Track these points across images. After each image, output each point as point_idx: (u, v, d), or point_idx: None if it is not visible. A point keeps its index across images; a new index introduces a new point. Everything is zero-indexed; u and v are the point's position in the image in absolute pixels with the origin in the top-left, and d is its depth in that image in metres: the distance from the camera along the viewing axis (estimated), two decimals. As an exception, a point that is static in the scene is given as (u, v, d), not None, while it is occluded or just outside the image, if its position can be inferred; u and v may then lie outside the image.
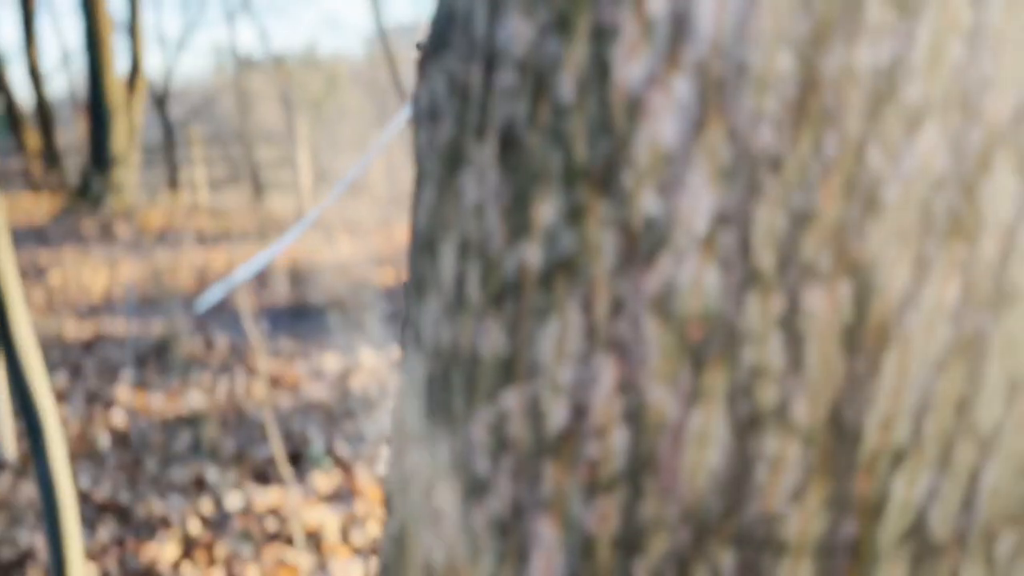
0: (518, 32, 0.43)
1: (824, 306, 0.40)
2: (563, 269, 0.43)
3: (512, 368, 0.45)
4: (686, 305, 0.41)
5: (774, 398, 0.41)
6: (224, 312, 6.97)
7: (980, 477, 0.43)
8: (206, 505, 3.73)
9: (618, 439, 0.43)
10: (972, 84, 0.38)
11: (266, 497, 3.74)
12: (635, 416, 0.42)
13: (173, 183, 12.62)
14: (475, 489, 0.47)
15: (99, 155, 10.53)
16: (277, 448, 3.04)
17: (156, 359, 5.92)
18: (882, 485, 0.41)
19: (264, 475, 4.05)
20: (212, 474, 4.08)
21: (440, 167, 0.49)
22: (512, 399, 0.45)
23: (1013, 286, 0.41)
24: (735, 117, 0.39)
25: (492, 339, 0.46)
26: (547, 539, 0.45)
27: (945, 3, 0.37)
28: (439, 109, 0.50)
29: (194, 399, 5.00)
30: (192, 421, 4.77)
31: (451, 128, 0.48)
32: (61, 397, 5.10)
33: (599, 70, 0.41)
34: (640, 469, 0.42)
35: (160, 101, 13.47)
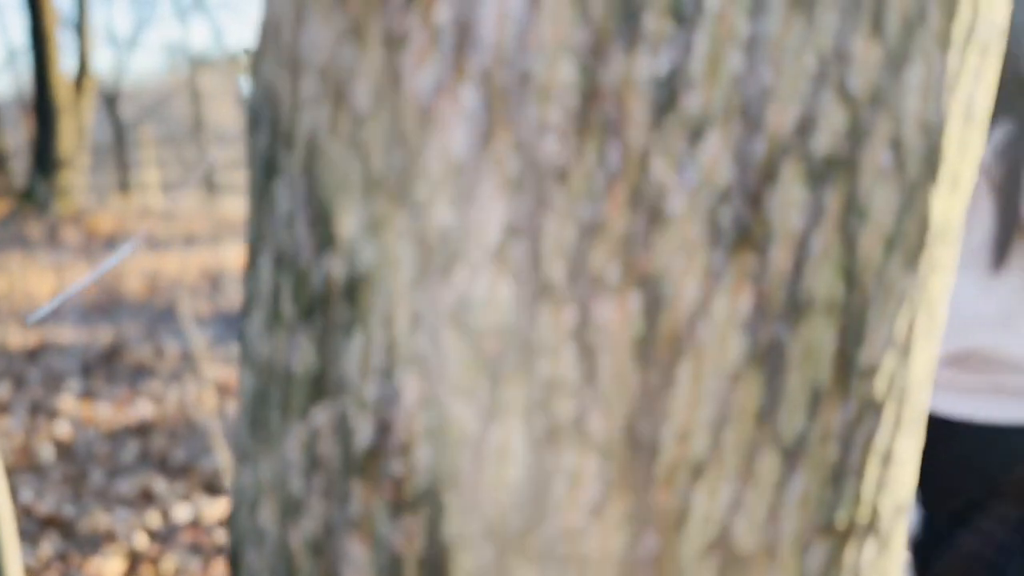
0: (319, 39, 0.43)
1: (615, 318, 0.40)
2: (365, 282, 0.43)
3: (322, 384, 0.45)
4: (482, 318, 0.41)
5: (570, 412, 0.40)
6: (176, 319, 6.88)
7: (786, 487, 0.43)
8: (153, 518, 3.67)
9: (421, 456, 0.42)
10: (752, 94, 0.38)
11: (215, 509, 3.69)
12: (437, 432, 0.42)
13: (124, 186, 12.43)
14: (291, 508, 0.47)
15: (45, 157, 10.33)
16: (225, 458, 3.00)
17: (104, 368, 5.82)
18: (682, 498, 0.41)
19: (214, 486, 3.99)
20: (160, 486, 4.02)
21: (259, 176, 0.49)
22: (322, 416, 0.45)
23: (808, 295, 0.41)
24: (521, 127, 0.39)
25: (303, 354, 0.45)
26: (357, 559, 0.44)
27: (722, 13, 0.37)
28: (258, 117, 0.49)
29: (143, 408, 4.92)
30: (140, 431, 4.70)
31: (267, 136, 0.48)
32: (2, 408, 4.99)
33: (391, 78, 0.41)
34: (443, 486, 0.42)
35: (110, 101, 13.24)
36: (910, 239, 0.43)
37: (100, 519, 3.74)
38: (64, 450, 4.54)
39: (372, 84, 0.41)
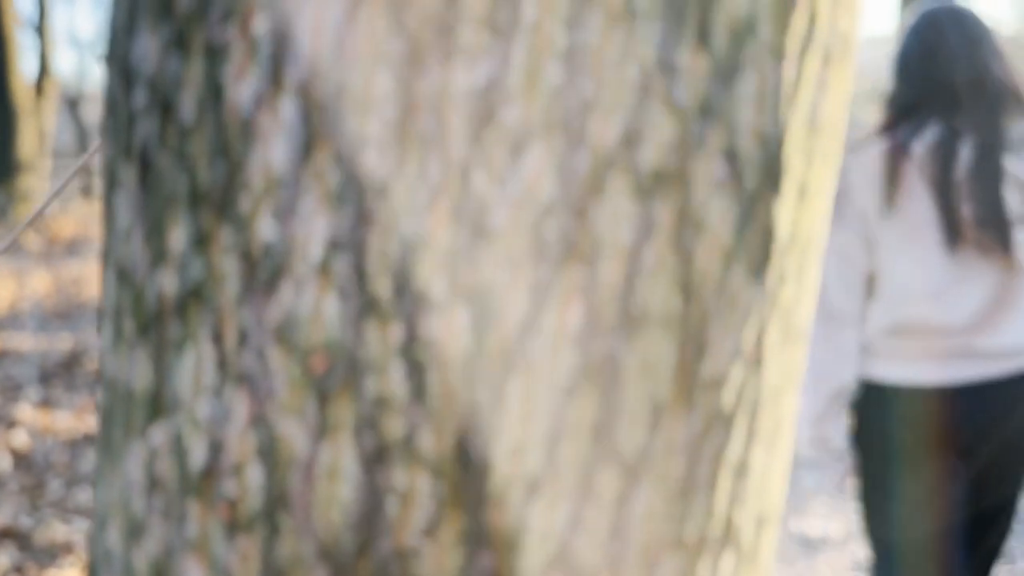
0: (148, 49, 0.42)
1: (442, 334, 0.39)
2: (195, 298, 0.42)
3: (158, 402, 0.44)
4: (308, 335, 0.40)
5: (400, 429, 0.40)
6: (138, 324, 6.78)
7: (629, 503, 0.43)
8: (107, 528, 3.63)
9: (253, 476, 0.41)
10: (574, 106, 0.38)
11: (171, 517, 3.65)
12: (268, 452, 0.41)
13: (87, 191, 12.25)
14: (134, 529, 0.46)
15: (4, 161, 10.16)
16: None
17: (63, 375, 5.74)
18: (518, 515, 0.41)
19: (170, 494, 3.95)
20: (115, 495, 3.97)
21: (104, 189, 0.48)
22: (159, 435, 0.44)
23: (643, 309, 0.41)
24: (340, 140, 0.38)
25: (141, 371, 0.44)
26: (196, 581, 0.43)
27: (539, 25, 0.37)
28: (103, 126, 0.48)
29: (100, 416, 4.86)
30: (98, 440, 4.64)
31: (110, 147, 0.47)
32: (-43, 418, 4.90)
33: (214, 90, 0.40)
34: (276, 506, 0.41)
35: (73, 104, 13.04)
36: (753, 251, 0.43)
37: (58, 530, 3.68)
38: (21, 460, 4.46)
39: (196, 96, 0.40)
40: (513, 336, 0.39)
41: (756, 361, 0.45)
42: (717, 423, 0.44)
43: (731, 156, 0.41)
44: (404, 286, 0.39)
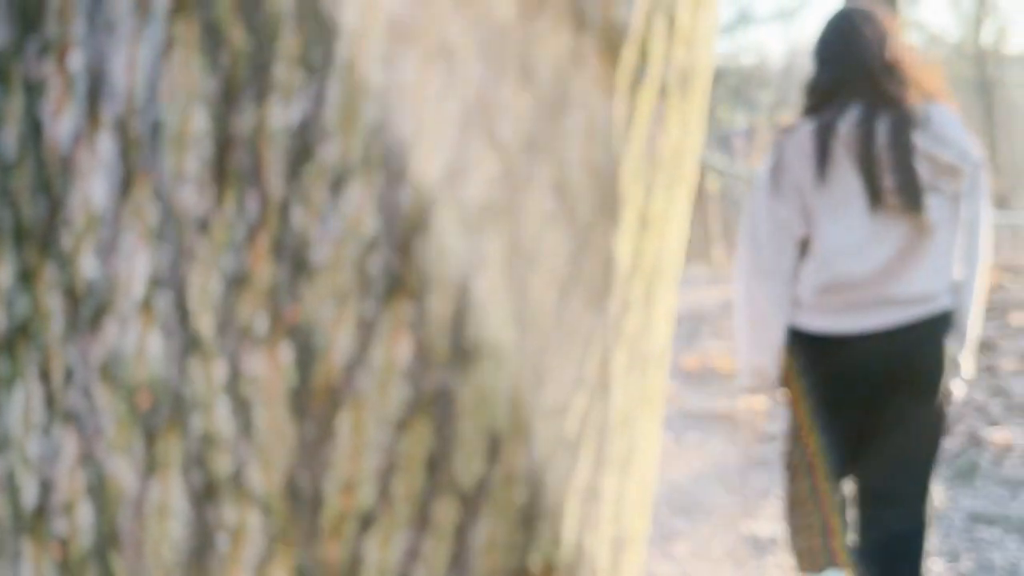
0: (-26, 81, 0.42)
1: (267, 370, 0.39)
2: (22, 335, 0.41)
3: (-9, 440, 0.43)
4: (133, 373, 0.40)
5: (228, 466, 0.40)
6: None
7: (468, 533, 0.43)
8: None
9: (83, 514, 0.41)
10: (393, 143, 0.38)
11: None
12: (97, 490, 0.41)
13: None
14: (-28, 568, 0.45)
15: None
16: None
17: None
18: (352, 549, 0.41)
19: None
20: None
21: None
22: (-8, 473, 0.43)
23: (475, 342, 0.41)
24: (158, 177, 0.38)
25: (-24, 408, 0.44)
26: (31, 622, 0.43)
27: (353, 63, 0.37)
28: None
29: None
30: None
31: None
32: None
33: (33, 126, 0.39)
34: (107, 545, 0.41)
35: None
36: (591, 281, 0.44)
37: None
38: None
39: (17, 131, 0.40)
40: (340, 371, 0.39)
41: (601, 388, 0.46)
42: (561, 450, 0.45)
43: (562, 189, 0.42)
44: (226, 323, 0.39)
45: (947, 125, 1.77)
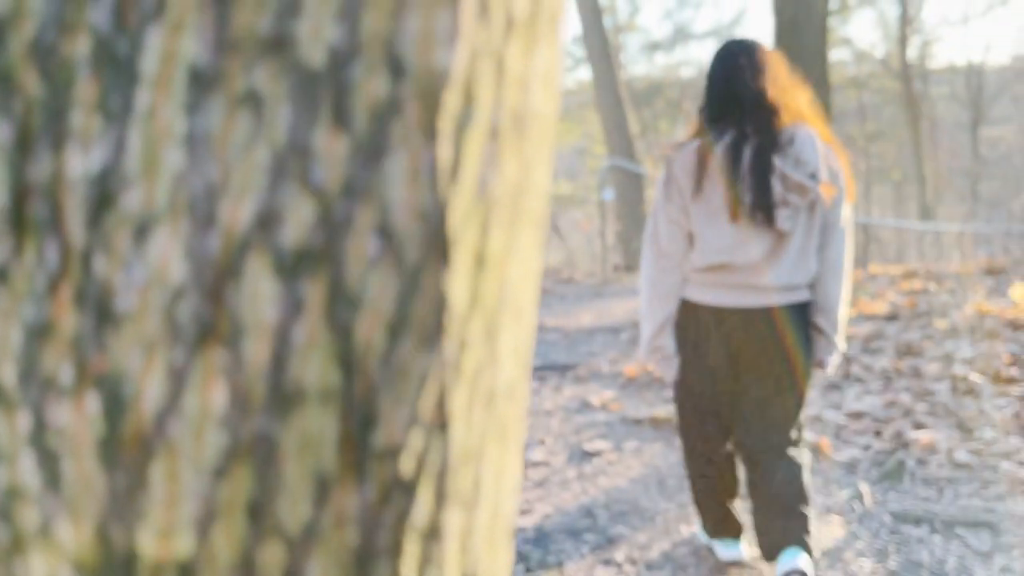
0: None
1: (74, 421, 0.38)
2: None
3: None
4: (-66, 425, 0.38)
5: (35, 519, 0.38)
6: None
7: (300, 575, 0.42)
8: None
9: None
10: (199, 190, 0.37)
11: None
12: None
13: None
14: None
15: None
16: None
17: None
18: (171, 600, 0.40)
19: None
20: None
21: None
22: None
23: (297, 386, 0.40)
24: (-45, 227, 0.37)
25: None
26: None
27: (154, 111, 0.36)
28: None
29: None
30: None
31: None
32: None
33: None
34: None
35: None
36: (422, 322, 0.43)
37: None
38: None
39: None
40: (151, 419, 0.38)
41: (439, 426, 0.45)
42: (396, 490, 0.44)
43: (385, 233, 0.41)
44: (29, 373, 0.37)
45: (805, 147, 2.10)
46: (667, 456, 3.65)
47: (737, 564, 2.67)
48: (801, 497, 2.31)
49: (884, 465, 3.37)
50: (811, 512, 2.31)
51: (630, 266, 10.22)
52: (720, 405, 2.33)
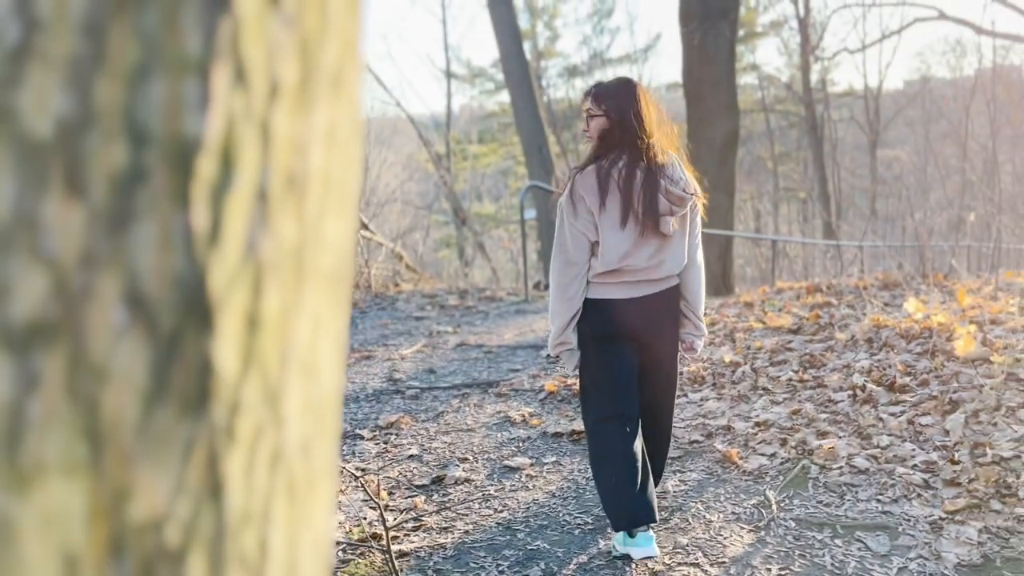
0: None
1: None
2: None
3: None
4: None
5: None
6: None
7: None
8: None
9: None
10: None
11: None
12: None
13: None
14: None
15: None
16: None
17: None
18: None
19: None
20: None
21: None
22: None
23: (36, 462, 0.38)
24: None
25: None
26: None
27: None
28: None
29: None
30: None
31: None
32: None
33: None
34: None
35: None
36: (184, 389, 0.41)
37: None
38: None
39: None
40: None
41: (211, 492, 0.43)
42: (161, 562, 0.42)
43: (134, 301, 0.39)
44: None
45: (676, 169, 2.73)
46: (586, 469, 3.67)
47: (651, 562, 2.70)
48: (665, 458, 3.11)
49: (789, 473, 3.46)
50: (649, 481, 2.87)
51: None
52: (625, 381, 2.79)
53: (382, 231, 15.36)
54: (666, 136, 2.75)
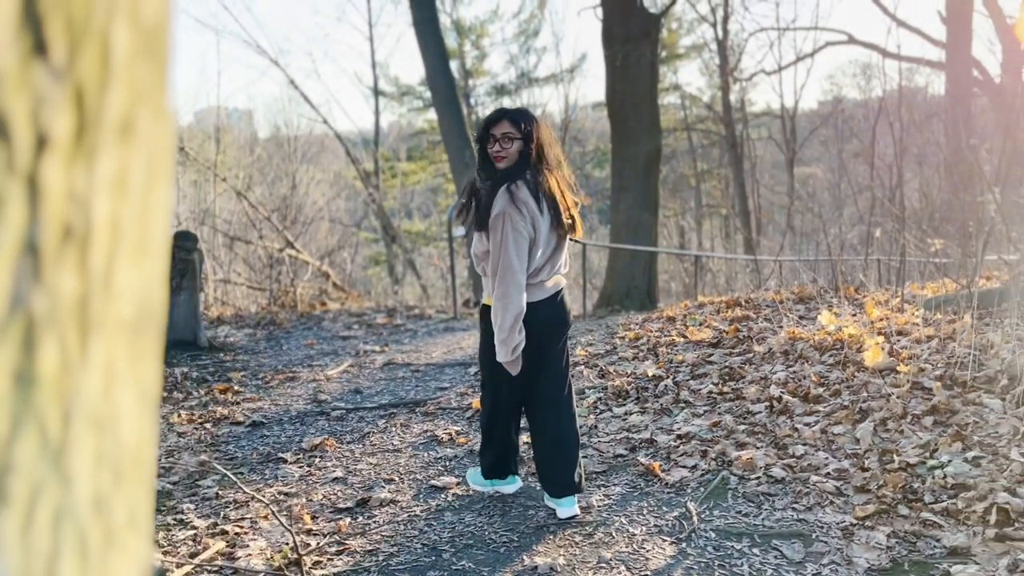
0: None
1: None
2: None
3: None
4: None
5: None
6: None
7: None
8: None
9: None
10: None
11: None
12: None
13: None
14: None
15: None
16: None
17: None
18: None
19: None
20: None
21: None
22: None
23: None
24: None
25: None
26: None
27: None
28: None
29: None
30: None
31: None
32: None
33: None
34: None
35: None
36: None
37: None
38: None
39: None
40: None
41: None
42: None
43: None
44: None
45: (563, 185, 3.21)
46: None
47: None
48: (576, 441, 3.31)
49: (710, 484, 3.52)
50: (579, 452, 3.33)
51: (479, 301, 10.26)
52: (528, 369, 3.21)
53: (309, 250, 15.12)
54: (555, 159, 3.22)
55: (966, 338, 4.37)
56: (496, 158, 3.14)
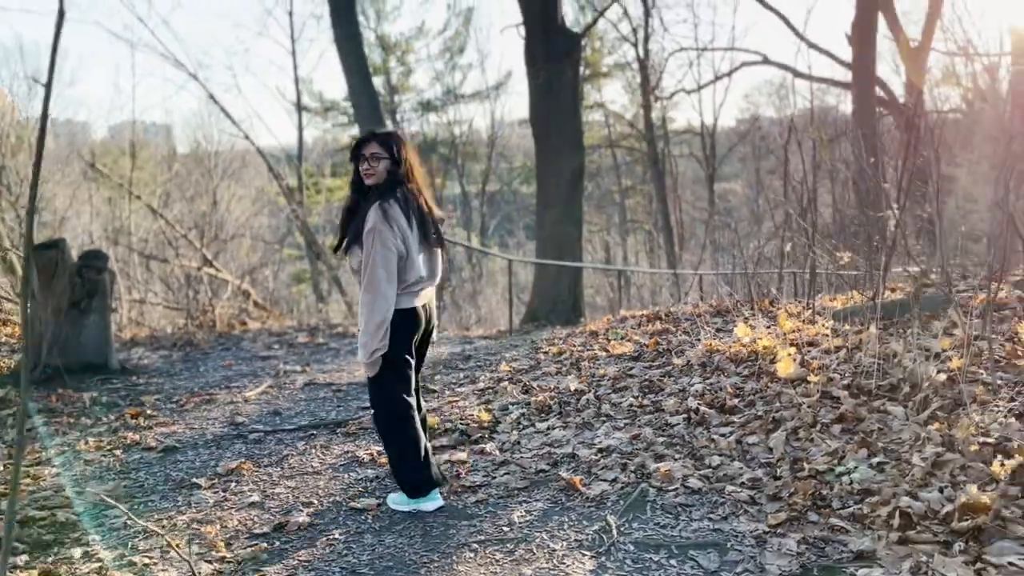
0: None
1: None
2: None
3: None
4: None
5: None
6: None
7: None
8: None
9: None
10: None
11: None
12: None
13: None
14: None
15: None
16: None
17: None
18: None
19: None
20: None
21: None
22: None
23: None
24: None
25: None
26: None
27: None
28: None
29: None
30: None
31: None
32: None
33: None
34: None
35: None
36: None
37: None
38: None
39: None
40: None
41: None
42: None
43: None
44: None
45: (430, 201, 3.62)
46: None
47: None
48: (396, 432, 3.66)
49: (629, 497, 3.55)
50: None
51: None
52: (412, 368, 3.59)
53: (229, 268, 14.74)
54: (421, 177, 3.60)
55: (871, 348, 4.54)
56: (365, 175, 3.48)
